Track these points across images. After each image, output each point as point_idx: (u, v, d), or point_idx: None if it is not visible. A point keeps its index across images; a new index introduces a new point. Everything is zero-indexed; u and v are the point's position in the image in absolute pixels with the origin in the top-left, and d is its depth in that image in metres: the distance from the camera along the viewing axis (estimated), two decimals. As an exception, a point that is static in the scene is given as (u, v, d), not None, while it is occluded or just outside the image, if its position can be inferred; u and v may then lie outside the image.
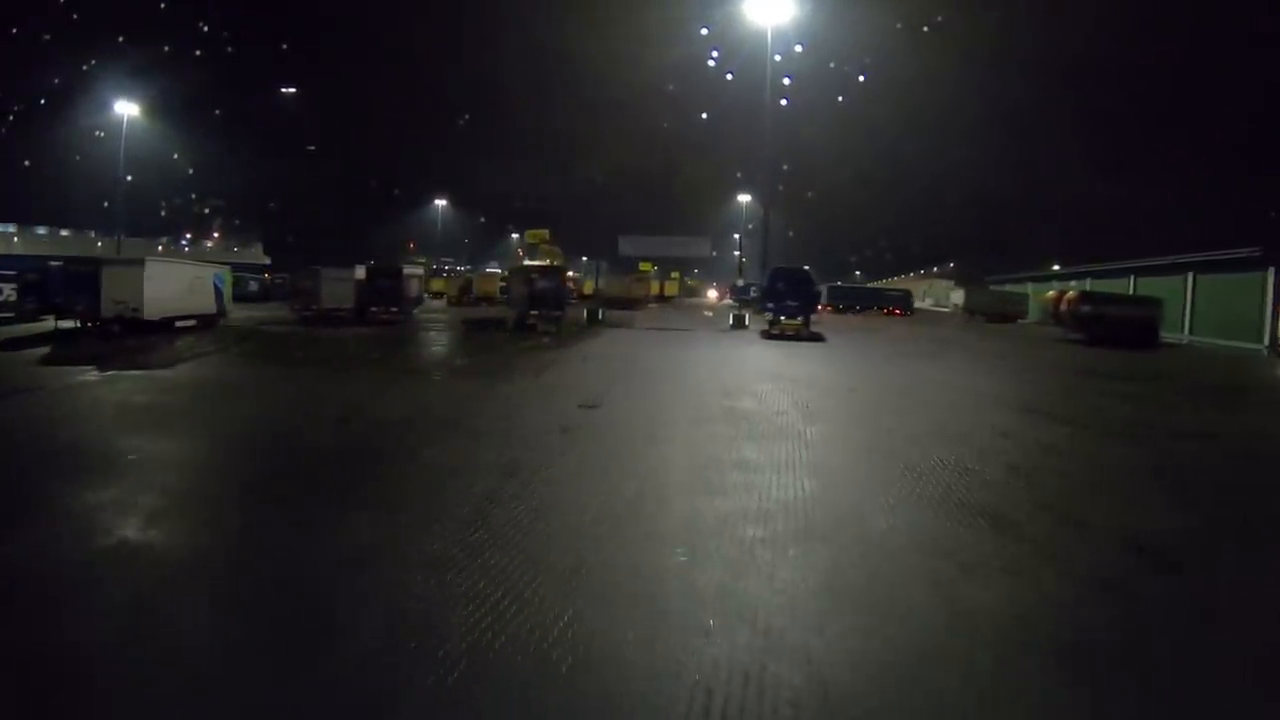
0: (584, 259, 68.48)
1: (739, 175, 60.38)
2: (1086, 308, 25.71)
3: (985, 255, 66.61)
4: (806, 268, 23.89)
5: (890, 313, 43.11)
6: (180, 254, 62.93)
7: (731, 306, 49.35)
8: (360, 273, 25.70)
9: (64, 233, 63.65)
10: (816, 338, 22.17)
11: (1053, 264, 58.53)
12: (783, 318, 22.30)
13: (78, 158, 47.90)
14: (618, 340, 20.64)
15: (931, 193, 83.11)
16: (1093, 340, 23.32)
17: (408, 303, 26.31)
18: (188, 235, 70.95)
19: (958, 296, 49.58)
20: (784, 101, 31.61)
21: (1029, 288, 47.76)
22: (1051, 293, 30.22)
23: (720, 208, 65.82)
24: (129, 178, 49.93)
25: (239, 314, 27.21)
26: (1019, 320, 40.63)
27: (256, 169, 63.20)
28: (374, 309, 25.09)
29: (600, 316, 26.35)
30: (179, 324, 20.23)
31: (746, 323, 26.20)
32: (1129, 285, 35.74)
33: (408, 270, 26.15)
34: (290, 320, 25.37)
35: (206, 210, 67.96)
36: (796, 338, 21.83)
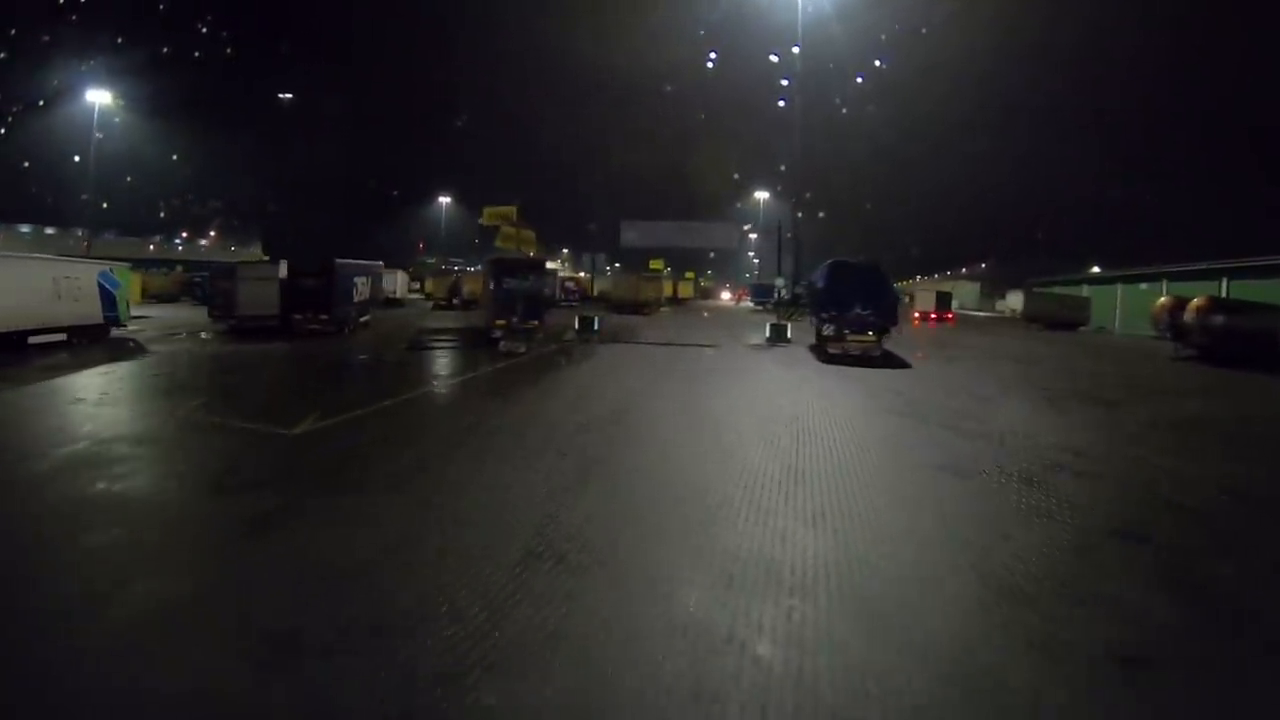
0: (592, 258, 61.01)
1: (736, 176, 52.60)
2: (1219, 318, 19.46)
3: (1015, 256, 59.29)
4: (877, 263, 16.11)
5: (941, 318, 36.03)
6: (175, 253, 57.16)
7: (755, 310, 41.80)
8: (284, 271, 18.64)
9: (49, 231, 57.50)
10: (891, 360, 14.84)
11: (1091, 265, 51.03)
12: (848, 332, 14.75)
13: (76, 159, 42.03)
14: (610, 369, 13.22)
15: (946, 193, 75.17)
16: (1207, 355, 18.56)
17: (346, 308, 18.99)
18: (184, 234, 64.54)
19: (1015, 301, 42.31)
20: (782, 102, 24.77)
21: (1085, 290, 40.39)
22: (1164, 299, 22.71)
23: (728, 207, 57.69)
24: (128, 178, 44.50)
25: (161, 319, 21.92)
26: (1080, 328, 33.61)
27: (257, 168, 57.30)
28: (298, 317, 17.98)
29: (595, 327, 19.00)
30: (34, 339, 14.52)
31: (789, 335, 18.80)
32: (1220, 289, 28.78)
33: (343, 265, 18.72)
34: (201, 329, 18.69)
35: (204, 210, 61.59)
36: (865, 360, 14.50)
